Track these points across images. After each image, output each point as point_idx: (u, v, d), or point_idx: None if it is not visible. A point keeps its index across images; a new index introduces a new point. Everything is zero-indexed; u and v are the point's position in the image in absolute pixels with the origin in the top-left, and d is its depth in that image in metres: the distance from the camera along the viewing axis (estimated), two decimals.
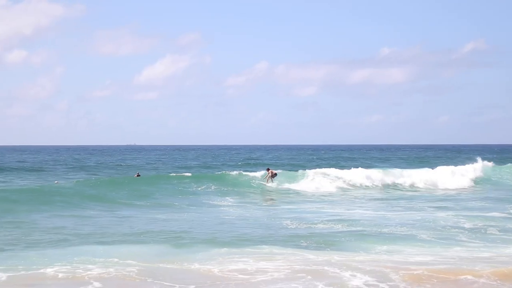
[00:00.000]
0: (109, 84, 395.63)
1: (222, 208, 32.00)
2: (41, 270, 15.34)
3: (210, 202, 35.03)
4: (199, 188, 40.55)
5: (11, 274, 14.94)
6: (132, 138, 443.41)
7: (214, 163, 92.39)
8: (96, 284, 14.29)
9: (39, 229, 22.83)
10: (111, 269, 15.53)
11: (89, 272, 15.21)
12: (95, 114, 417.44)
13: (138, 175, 52.56)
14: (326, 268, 15.88)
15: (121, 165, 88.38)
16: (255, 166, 74.63)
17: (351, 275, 15.10)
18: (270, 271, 15.59)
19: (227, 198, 37.52)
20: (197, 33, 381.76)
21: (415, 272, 15.30)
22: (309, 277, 14.97)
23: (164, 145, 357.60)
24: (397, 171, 52.27)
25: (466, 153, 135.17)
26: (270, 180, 45.18)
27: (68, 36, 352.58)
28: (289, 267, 16.04)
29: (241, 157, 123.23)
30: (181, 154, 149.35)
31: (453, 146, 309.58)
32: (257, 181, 45.30)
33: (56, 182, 47.40)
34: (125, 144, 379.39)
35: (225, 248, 18.60)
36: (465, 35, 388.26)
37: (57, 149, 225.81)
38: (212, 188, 41.12)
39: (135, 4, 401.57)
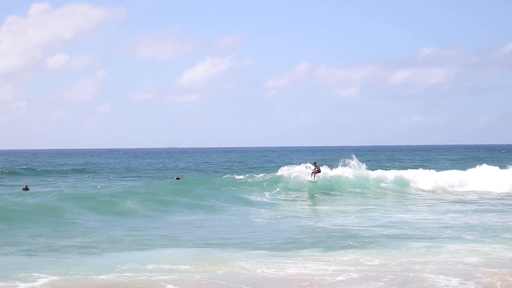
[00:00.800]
0: (150, 87, 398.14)
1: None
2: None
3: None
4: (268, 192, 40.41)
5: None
6: (173, 141, 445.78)
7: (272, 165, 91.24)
8: None
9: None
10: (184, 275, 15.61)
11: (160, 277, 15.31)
12: (135, 117, 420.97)
13: (178, 178, 52.87)
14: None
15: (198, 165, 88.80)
16: None
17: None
18: (346, 272, 15.64)
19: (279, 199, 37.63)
20: (238, 35, 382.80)
21: None
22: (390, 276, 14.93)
23: (206, 148, 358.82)
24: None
25: None
26: (314, 176, 43.47)
27: (109, 40, 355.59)
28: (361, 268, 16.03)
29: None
30: (241, 157, 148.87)
31: (498, 146, 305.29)
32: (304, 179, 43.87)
33: (99, 187, 47.17)
34: (167, 146, 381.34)
35: (281, 252, 18.62)
36: (506, 34, 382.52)
37: (99, 152, 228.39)
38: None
39: (175, 7, 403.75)
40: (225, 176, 46.08)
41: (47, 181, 61.45)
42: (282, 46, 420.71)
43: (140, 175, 71.62)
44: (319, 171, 44.11)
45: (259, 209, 32.67)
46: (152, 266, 16.39)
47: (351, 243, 20.36)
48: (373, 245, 19.78)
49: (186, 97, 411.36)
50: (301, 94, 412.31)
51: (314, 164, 44.79)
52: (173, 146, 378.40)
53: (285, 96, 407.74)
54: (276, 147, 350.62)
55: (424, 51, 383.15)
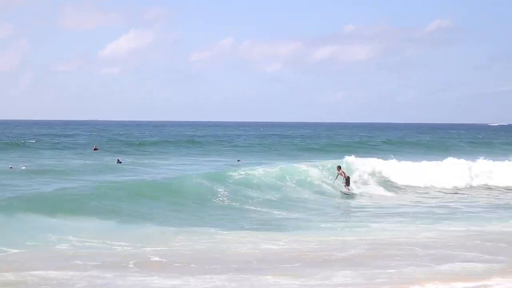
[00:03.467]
0: (73, 58, 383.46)
1: None
2: None
3: None
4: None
5: None
6: (94, 114, 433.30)
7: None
8: None
9: None
10: None
11: None
12: (59, 87, 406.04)
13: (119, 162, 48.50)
14: None
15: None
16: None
17: None
18: None
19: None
20: (164, 7, 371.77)
21: None
22: None
23: (133, 121, 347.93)
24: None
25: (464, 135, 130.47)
26: (344, 185, 32.78)
27: (33, 11, 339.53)
28: None
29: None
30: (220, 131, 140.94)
31: (424, 124, 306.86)
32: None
33: (10, 167, 41.58)
34: (88, 119, 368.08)
35: None
36: (430, 13, 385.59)
37: (26, 124, 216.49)
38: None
39: None
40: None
41: None
42: (207, 19, 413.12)
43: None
44: (348, 180, 33.05)
45: None
46: None
47: None
48: None
49: (110, 69, 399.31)
50: (226, 68, 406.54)
51: (339, 169, 33.85)
52: (94, 119, 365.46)
53: (210, 69, 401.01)
54: (203, 122, 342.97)
55: (348, 27, 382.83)
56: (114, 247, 16.29)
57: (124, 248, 16.17)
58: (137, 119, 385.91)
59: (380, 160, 39.10)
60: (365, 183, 35.53)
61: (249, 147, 76.05)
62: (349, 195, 32.15)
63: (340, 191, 32.56)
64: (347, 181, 32.85)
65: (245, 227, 21.04)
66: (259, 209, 26.50)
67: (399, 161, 39.71)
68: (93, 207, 22.74)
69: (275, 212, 25.73)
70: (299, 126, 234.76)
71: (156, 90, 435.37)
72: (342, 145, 76.48)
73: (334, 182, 33.44)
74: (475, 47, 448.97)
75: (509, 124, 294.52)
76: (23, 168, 40.94)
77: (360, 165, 37.45)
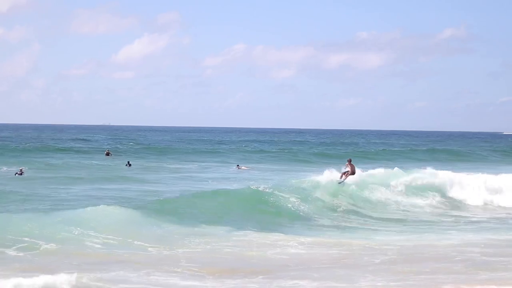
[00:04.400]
0: (86, 62, 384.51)
1: None
2: None
3: None
4: None
5: None
6: (107, 118, 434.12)
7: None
8: None
9: None
10: None
11: None
12: (72, 92, 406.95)
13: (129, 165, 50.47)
14: None
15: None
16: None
17: None
18: None
19: None
20: (176, 12, 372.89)
21: None
22: None
23: (143, 126, 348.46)
24: None
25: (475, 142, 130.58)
26: (344, 176, 33.49)
27: (47, 14, 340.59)
28: None
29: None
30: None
31: (433, 132, 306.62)
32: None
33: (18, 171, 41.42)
34: (101, 124, 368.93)
35: None
36: (444, 21, 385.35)
37: (36, 127, 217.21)
38: None
39: None
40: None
41: None
42: (220, 25, 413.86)
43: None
44: (353, 172, 33.88)
45: None
46: None
47: None
48: None
49: (123, 73, 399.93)
50: (238, 73, 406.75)
51: (349, 162, 34.34)
52: (107, 124, 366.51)
53: (222, 75, 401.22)
54: (214, 128, 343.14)
55: (362, 34, 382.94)
56: None
57: None
58: (148, 124, 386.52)
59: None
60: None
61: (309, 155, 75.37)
62: (341, 182, 33.21)
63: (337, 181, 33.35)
64: (351, 174, 33.51)
65: None
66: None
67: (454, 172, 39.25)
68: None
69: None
70: (314, 133, 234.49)
71: (167, 95, 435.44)
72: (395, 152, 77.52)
73: (342, 176, 33.52)
74: (487, 56, 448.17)
75: None
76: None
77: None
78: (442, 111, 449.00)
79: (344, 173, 33.91)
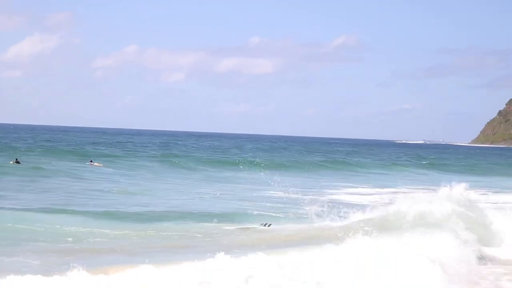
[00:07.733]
0: None
1: None
2: None
3: None
4: None
5: None
6: None
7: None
8: None
9: None
10: None
11: None
12: None
13: (17, 162, 47.48)
14: None
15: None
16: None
17: None
18: None
19: None
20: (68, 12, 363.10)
21: None
22: None
23: (31, 125, 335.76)
24: None
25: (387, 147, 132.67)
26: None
27: None
28: None
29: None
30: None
31: (323, 139, 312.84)
32: None
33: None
34: None
35: None
36: (335, 30, 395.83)
37: None
38: None
39: None
40: None
41: None
42: (111, 25, 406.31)
43: None
44: None
45: None
46: None
47: None
48: None
49: (12, 72, 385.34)
50: (129, 75, 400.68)
51: None
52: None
53: (112, 76, 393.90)
54: (107, 128, 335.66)
55: (254, 40, 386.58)
56: None
57: None
58: (34, 123, 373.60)
59: None
60: None
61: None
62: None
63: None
64: None
65: None
66: None
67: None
68: None
69: None
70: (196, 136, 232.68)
71: (55, 96, 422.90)
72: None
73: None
74: (378, 65, 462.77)
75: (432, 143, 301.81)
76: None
77: None
78: (331, 119, 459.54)
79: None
